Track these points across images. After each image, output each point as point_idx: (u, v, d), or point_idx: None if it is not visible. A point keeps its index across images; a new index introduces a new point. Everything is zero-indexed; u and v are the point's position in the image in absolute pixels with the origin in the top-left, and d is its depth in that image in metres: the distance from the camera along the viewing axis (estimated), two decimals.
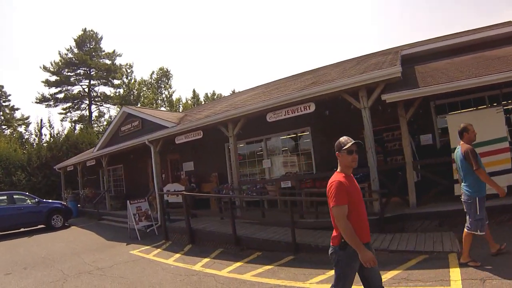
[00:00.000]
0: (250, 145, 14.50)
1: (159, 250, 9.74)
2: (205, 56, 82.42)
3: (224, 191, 12.70)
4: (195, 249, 9.31)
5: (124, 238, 11.72)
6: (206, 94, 51.39)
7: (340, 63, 15.89)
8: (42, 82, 43.27)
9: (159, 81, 48.33)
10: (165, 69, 49.24)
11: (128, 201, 11.92)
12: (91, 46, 46.34)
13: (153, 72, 48.45)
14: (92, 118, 46.39)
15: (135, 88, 43.19)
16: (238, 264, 7.40)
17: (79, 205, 20.82)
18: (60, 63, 43.97)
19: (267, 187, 11.85)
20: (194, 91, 50.46)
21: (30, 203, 15.50)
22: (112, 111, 46.26)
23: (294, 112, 9.47)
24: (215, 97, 48.99)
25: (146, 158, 17.57)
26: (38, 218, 15.33)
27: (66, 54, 44.53)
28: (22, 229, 15.24)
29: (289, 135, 13.50)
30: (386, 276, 5.24)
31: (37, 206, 15.38)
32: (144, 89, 44.62)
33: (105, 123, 46.77)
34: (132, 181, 20.13)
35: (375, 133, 9.42)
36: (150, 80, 47.63)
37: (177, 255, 8.86)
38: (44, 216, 15.43)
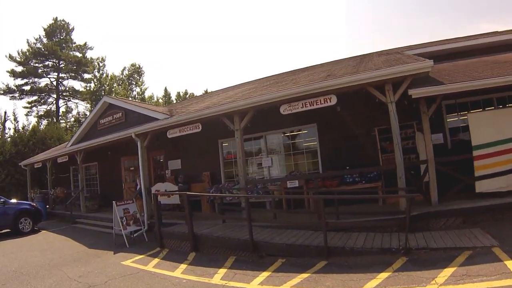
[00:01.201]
0: (247, 142, 13.11)
1: (157, 260, 8.28)
2: (177, 54, 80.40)
3: (226, 191, 11.60)
4: (202, 258, 8.00)
5: (109, 245, 10.16)
6: (178, 93, 49.41)
7: (339, 61, 15.23)
8: (7, 72, 40.10)
9: (130, 78, 46.05)
10: (137, 65, 46.95)
11: (114, 203, 10.33)
12: (62, 37, 43.37)
13: (124, 68, 46.07)
14: (60, 114, 43.52)
15: (107, 83, 40.61)
16: (265, 274, 6.32)
17: (47, 206, 18.74)
18: (27, 53, 40.79)
19: (269, 187, 11.00)
20: (166, 89, 48.74)
21: None
22: (80, 106, 43.76)
23: (313, 105, 8.78)
24: (187, 96, 47.01)
25: (120, 156, 16.02)
26: (3, 222, 13.28)
27: (35, 44, 41.51)
28: None
29: (292, 132, 12.55)
30: (444, 274, 5.07)
31: (2, 207, 13.34)
32: (115, 85, 42.18)
33: (72, 119, 44.13)
34: (106, 180, 18.26)
35: (387, 132, 9.53)
36: (121, 76, 45.28)
37: (183, 266, 7.50)
38: (11, 219, 13.39)
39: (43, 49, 41.07)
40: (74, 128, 39.98)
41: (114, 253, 9.23)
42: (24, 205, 14.48)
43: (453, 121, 10.30)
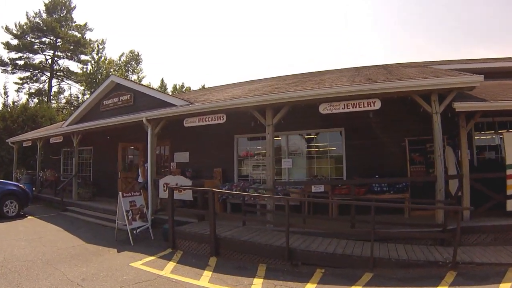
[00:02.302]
0: (262, 141, 12.05)
1: (172, 263, 7.04)
2: (177, 46, 78.83)
3: (246, 190, 10.60)
4: (226, 264, 6.95)
5: (109, 241, 8.84)
6: (175, 85, 47.85)
7: (362, 67, 14.58)
8: (2, 43, 38.14)
9: (128, 64, 44.28)
10: (135, 53, 45.16)
11: (120, 193, 9.01)
12: (62, 15, 41.63)
13: (122, 54, 44.16)
14: (51, 93, 41.61)
15: (104, 67, 38.79)
16: (310, 286, 5.62)
17: (34, 189, 17.13)
18: (25, 27, 38.93)
19: (289, 190, 10.41)
20: (162, 80, 46.98)
21: None
22: (73, 88, 41.96)
23: (355, 107, 8.36)
24: (183, 89, 45.63)
25: (118, 141, 14.66)
26: None
27: (34, 18, 39.71)
28: None
29: (317, 134, 11.67)
30: None
31: None
32: (111, 70, 40.36)
33: (64, 100, 42.28)
34: (101, 168, 16.70)
35: (417, 143, 10.01)
36: (118, 61, 43.53)
37: (207, 273, 6.39)
38: None
39: (41, 24, 39.36)
40: (65, 109, 38.27)
41: (118, 251, 7.90)
42: (10, 185, 12.91)
43: (479, 139, 10.29)
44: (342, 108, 8.44)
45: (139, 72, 44.84)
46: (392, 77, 9.17)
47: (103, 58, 39.45)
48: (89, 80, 37.72)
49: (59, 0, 41.46)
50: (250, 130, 10.90)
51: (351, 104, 8.35)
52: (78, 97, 41.63)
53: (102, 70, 38.75)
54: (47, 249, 7.89)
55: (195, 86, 46.73)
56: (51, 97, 41.08)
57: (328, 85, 9.25)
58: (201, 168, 12.73)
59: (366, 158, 10.35)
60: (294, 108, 9.02)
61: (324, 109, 8.62)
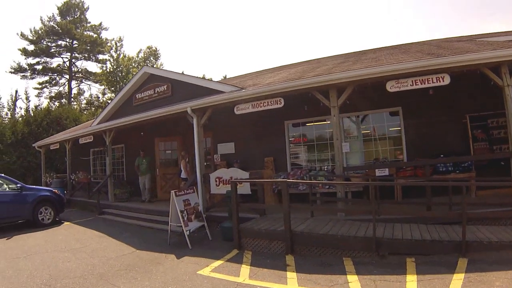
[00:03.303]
0: (308, 127, 11.39)
1: (246, 267, 6.02)
2: (196, 38, 77.36)
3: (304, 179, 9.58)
4: (306, 262, 6.08)
5: (162, 245, 7.84)
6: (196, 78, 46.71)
7: (406, 44, 13.88)
8: (19, 50, 37.76)
9: (146, 61, 43.31)
10: (153, 48, 44.07)
11: (173, 192, 7.89)
12: (76, 16, 41.00)
13: (140, 50, 43.16)
14: (72, 95, 41.12)
15: (124, 64, 37.83)
16: (411, 278, 4.95)
17: (66, 193, 16.31)
18: (40, 31, 38.40)
19: (350, 175, 9.70)
20: (182, 73, 46.05)
21: (7, 188, 10.93)
22: (93, 89, 41.34)
23: (424, 83, 7.69)
24: None
25: (154, 136, 13.74)
26: (20, 211, 10.84)
27: (48, 22, 39.13)
28: None
29: (372, 115, 10.71)
30: None
31: (20, 194, 10.87)
32: (131, 66, 39.40)
33: (84, 101, 41.80)
34: (132, 165, 15.74)
35: (478, 120, 9.42)
36: (136, 58, 42.62)
37: (291, 274, 5.53)
38: (30, 208, 10.89)
39: (56, 27, 38.70)
40: (86, 111, 37.67)
41: (177, 258, 6.80)
42: (44, 191, 11.95)
43: None
44: (410, 85, 7.79)
45: (160, 67, 43.80)
46: (458, 50, 8.36)
47: (121, 55, 38.40)
48: (109, 79, 36.84)
49: (72, 2, 40.86)
50: (301, 115, 10.50)
51: (419, 80, 7.69)
52: (99, 97, 41.19)
53: (122, 67, 37.61)
54: (96, 261, 6.84)
55: (216, 78, 45.59)
56: (72, 99, 40.59)
57: (395, 60, 8.47)
58: (248, 159, 11.72)
59: (426, 138, 9.72)
60: (376, 85, 8.34)
61: (391, 86, 7.94)
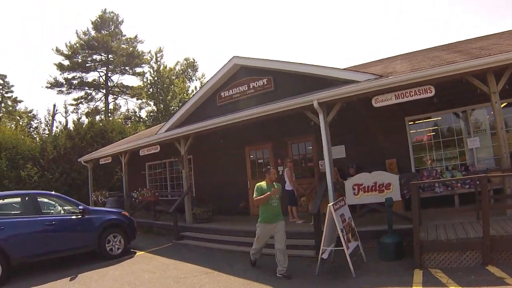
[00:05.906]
0: (421, 123, 9.89)
1: None
2: (229, 49, 75.75)
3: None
4: None
5: (307, 277, 5.86)
6: None
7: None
8: (55, 64, 36.82)
9: (184, 72, 41.81)
10: (191, 60, 42.68)
11: (331, 206, 5.66)
12: (110, 30, 40.10)
13: (177, 63, 41.75)
14: (109, 110, 39.76)
15: (166, 75, 36.15)
16: None
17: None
18: (75, 46, 37.46)
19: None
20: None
21: (62, 211, 8.67)
22: (130, 103, 39.86)
23: None
24: None
25: (243, 145, 11.78)
26: (83, 240, 8.55)
27: (84, 36, 38.25)
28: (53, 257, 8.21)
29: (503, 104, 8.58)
30: None
31: (82, 219, 8.55)
32: (173, 77, 37.70)
33: (121, 116, 40.32)
34: (206, 180, 13.56)
35: None
36: (174, 70, 41.18)
37: None
38: (95, 236, 8.67)
39: (92, 41, 37.65)
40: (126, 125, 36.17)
41: None
42: (111, 214, 9.53)
43: None
44: None
45: (201, 78, 42.18)
46: None
47: (162, 66, 36.84)
48: (150, 92, 35.23)
49: (106, 16, 40.09)
50: (423, 109, 9.15)
51: None
52: (135, 112, 39.78)
53: (163, 78, 35.87)
54: None
55: None
56: (109, 114, 39.21)
57: None
58: (363, 163, 9.64)
59: None
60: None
61: None
